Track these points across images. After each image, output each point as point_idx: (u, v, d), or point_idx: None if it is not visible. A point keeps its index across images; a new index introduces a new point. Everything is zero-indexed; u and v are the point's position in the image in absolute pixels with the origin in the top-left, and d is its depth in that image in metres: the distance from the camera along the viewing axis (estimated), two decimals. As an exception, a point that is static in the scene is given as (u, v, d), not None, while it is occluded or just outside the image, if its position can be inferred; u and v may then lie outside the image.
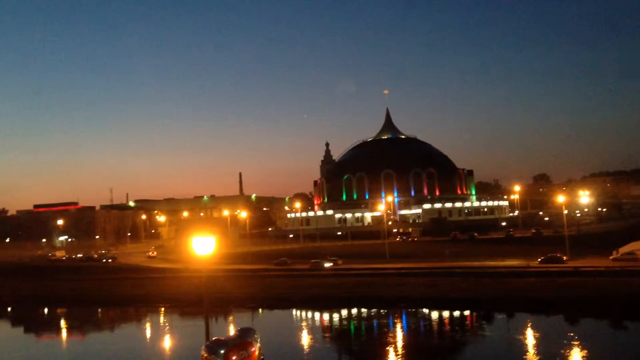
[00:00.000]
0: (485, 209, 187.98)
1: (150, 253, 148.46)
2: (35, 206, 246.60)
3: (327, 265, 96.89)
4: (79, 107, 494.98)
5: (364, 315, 71.10)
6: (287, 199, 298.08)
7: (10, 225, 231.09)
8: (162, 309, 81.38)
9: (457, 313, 67.25)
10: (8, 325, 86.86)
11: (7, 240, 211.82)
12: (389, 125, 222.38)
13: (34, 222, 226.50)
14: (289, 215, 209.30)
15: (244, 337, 13.29)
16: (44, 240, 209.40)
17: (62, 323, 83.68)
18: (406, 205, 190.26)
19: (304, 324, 68.67)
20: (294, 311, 74.63)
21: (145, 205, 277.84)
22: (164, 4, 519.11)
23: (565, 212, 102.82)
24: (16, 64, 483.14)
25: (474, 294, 70.12)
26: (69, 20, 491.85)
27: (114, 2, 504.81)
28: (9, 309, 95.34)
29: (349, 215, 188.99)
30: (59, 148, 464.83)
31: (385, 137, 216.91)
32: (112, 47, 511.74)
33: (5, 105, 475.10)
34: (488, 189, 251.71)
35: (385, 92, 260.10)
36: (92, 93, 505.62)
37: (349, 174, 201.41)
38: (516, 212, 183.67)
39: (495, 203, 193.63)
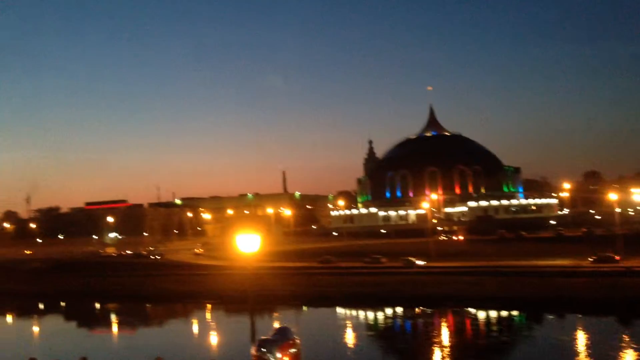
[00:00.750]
0: (533, 207, 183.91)
1: (197, 250, 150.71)
2: (87, 204, 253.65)
3: (420, 263, 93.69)
4: (128, 106, 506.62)
5: (409, 314, 70.60)
6: (330, 197, 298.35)
7: (63, 222, 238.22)
8: (209, 306, 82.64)
9: (504, 313, 66.11)
10: (62, 319, 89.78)
11: (61, 236, 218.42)
12: (432, 122, 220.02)
13: (86, 220, 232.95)
14: (332, 213, 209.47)
15: (286, 335, 13.32)
16: (95, 237, 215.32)
17: (113, 318, 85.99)
18: (451, 203, 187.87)
19: (348, 322, 68.67)
20: (338, 309, 74.70)
21: (191, 203, 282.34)
22: (209, 2, 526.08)
23: (618, 210, 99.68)
24: (67, 63, 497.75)
25: (521, 293, 68.77)
26: (116, 17, 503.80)
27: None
28: (63, 303, 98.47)
29: (392, 213, 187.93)
30: (109, 147, 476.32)
31: (429, 134, 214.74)
32: (157, 45, 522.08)
33: (58, 107, 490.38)
34: (536, 187, 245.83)
35: (429, 88, 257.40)
36: (141, 93, 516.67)
37: (392, 171, 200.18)
38: (566, 211, 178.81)
39: (544, 201, 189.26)
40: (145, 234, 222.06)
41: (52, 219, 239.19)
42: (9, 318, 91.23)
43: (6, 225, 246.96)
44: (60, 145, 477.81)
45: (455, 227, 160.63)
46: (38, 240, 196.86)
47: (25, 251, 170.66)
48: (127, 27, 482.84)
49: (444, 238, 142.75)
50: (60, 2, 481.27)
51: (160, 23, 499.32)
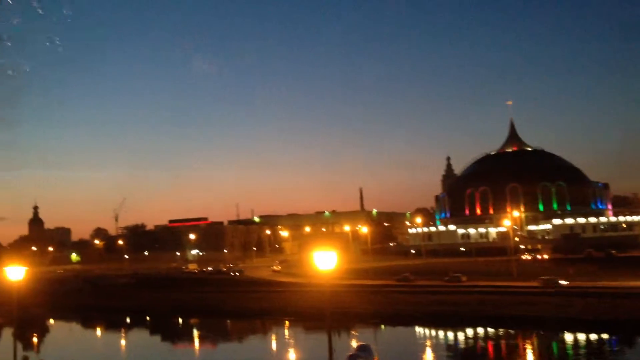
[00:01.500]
0: (624, 225, 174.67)
1: (275, 267, 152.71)
2: (170, 221, 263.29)
3: (563, 283, 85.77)
4: (209, 126, 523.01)
5: (490, 335, 68.39)
6: (407, 214, 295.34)
7: (148, 239, 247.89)
8: (287, 322, 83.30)
9: (593, 336, 62.84)
10: (147, 333, 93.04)
11: (146, 253, 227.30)
12: (513, 137, 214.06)
13: (169, 236, 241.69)
14: (410, 231, 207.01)
15: (369, 353, 13.30)
16: (178, 253, 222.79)
17: (195, 333, 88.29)
18: (534, 220, 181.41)
19: (427, 341, 67.32)
20: (416, 328, 73.42)
21: (269, 220, 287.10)
22: (291, 26, 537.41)
23: None
24: (152, 83, 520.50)
25: (611, 316, 65.18)
26: (199, 36, 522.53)
27: (241, 21, 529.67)
28: (148, 318, 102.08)
29: (472, 231, 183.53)
30: (192, 166, 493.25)
31: (510, 150, 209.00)
32: (235, 65, 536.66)
33: (143, 127, 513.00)
34: (626, 203, 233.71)
35: (509, 103, 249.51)
36: (222, 113, 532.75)
37: (472, 188, 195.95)
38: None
39: (635, 218, 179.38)
40: (225, 250, 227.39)
41: (138, 236, 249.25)
42: (99, 331, 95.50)
43: (96, 241, 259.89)
44: (145, 165, 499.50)
45: (539, 246, 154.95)
46: (125, 256, 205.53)
47: (113, 267, 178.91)
48: (208, 45, 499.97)
49: (528, 257, 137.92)
50: (145, 24, 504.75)
51: (242, 42, 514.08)
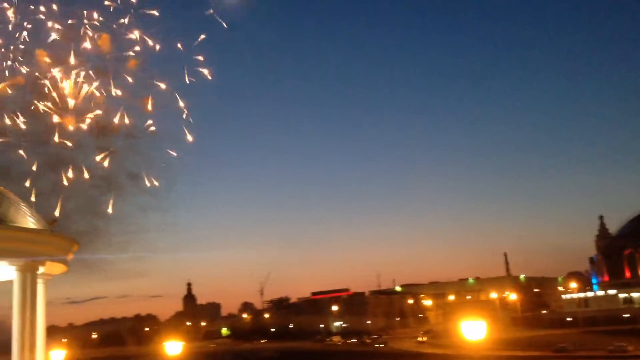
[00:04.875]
0: None
1: (420, 338, 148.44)
2: (313, 293, 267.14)
3: None
4: (348, 199, 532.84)
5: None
6: (559, 279, 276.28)
7: (292, 312, 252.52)
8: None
9: None
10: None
11: (291, 325, 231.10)
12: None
13: (312, 309, 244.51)
14: (563, 297, 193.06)
15: None
16: (321, 325, 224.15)
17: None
18: None
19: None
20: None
21: (411, 289, 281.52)
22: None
23: None
24: (284, 170, 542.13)
25: None
26: (322, 123, 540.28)
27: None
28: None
29: (635, 295, 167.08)
30: (331, 237, 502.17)
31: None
32: (378, 141, 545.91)
33: (283, 203, 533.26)
34: None
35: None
36: (359, 187, 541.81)
37: (631, 248, 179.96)
38: None
39: None
40: (368, 321, 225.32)
41: (282, 309, 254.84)
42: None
43: (244, 315, 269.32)
44: (288, 239, 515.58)
45: None
46: (271, 329, 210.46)
47: (260, 340, 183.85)
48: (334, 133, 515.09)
49: None
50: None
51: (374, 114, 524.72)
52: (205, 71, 40.02)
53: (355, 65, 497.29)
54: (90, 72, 39.11)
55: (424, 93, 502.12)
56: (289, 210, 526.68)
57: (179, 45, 39.68)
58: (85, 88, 38.85)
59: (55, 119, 38.08)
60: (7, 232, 32.85)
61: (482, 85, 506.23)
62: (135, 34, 39.02)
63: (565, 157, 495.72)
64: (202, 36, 39.42)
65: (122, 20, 38.83)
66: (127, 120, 39.47)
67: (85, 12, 38.56)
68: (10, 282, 33.93)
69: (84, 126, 38.87)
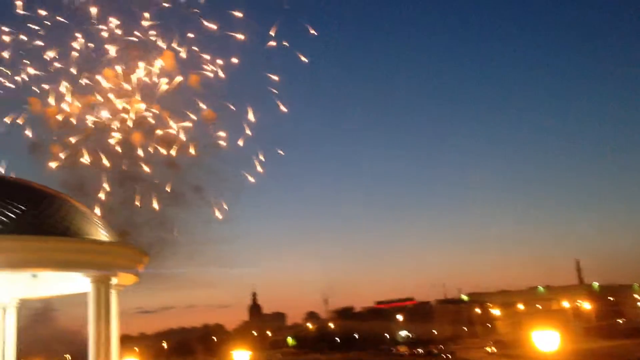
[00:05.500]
0: None
1: (489, 348, 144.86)
2: (377, 302, 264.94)
3: None
4: (412, 206, 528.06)
5: None
6: (635, 286, 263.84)
7: (356, 321, 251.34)
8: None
9: None
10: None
11: (355, 335, 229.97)
12: None
13: (377, 318, 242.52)
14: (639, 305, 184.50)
15: None
16: (386, 334, 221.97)
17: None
18: None
19: None
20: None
21: (478, 298, 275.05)
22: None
23: None
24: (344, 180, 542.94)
25: None
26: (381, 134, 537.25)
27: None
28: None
29: None
30: (395, 246, 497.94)
31: None
32: (441, 155, 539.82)
33: (344, 214, 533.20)
34: None
35: None
36: (423, 194, 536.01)
37: None
38: None
39: None
40: (434, 331, 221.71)
41: (347, 318, 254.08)
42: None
43: (309, 325, 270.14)
44: (352, 248, 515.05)
45: None
46: (336, 339, 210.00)
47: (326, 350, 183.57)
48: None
49: None
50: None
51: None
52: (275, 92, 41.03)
53: (419, 77, 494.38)
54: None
55: (489, 97, 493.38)
56: (352, 219, 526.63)
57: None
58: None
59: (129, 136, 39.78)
60: (83, 244, 34.26)
61: (560, 87, 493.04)
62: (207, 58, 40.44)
63: (634, 165, 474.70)
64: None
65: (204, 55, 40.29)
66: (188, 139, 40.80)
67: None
68: (84, 294, 35.26)
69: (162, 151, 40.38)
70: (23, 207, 32.64)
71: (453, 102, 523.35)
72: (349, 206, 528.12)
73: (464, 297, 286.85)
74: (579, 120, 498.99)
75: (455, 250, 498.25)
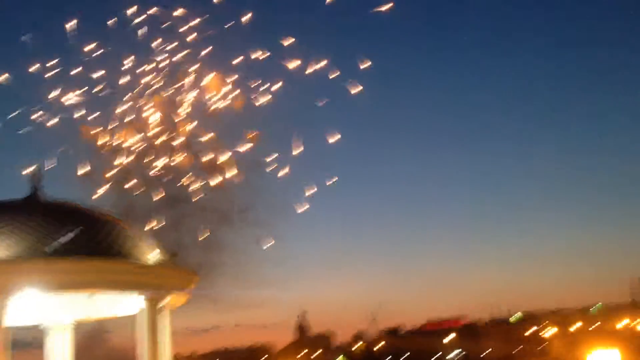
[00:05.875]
0: None
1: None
2: (427, 322, 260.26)
3: None
4: (462, 226, 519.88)
5: None
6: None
7: (406, 341, 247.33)
8: None
9: None
10: None
11: (406, 354, 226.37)
12: None
13: (426, 337, 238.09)
14: None
15: None
16: (437, 354, 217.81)
17: None
18: None
19: None
20: None
21: (531, 317, 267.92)
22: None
23: None
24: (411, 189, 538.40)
25: None
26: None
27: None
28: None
29: None
30: (445, 264, 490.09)
31: None
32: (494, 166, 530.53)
33: (393, 230, 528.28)
34: None
35: None
36: (472, 211, 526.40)
37: None
38: None
39: None
40: (486, 350, 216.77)
41: (396, 338, 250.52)
42: None
43: (358, 344, 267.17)
44: (401, 265, 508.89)
45: None
46: (386, 359, 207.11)
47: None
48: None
49: None
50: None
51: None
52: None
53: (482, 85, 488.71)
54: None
55: (548, 111, 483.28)
56: (401, 238, 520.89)
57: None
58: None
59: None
60: (138, 266, 35.12)
61: (608, 95, 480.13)
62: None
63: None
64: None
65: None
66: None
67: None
68: (134, 315, 36.04)
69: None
70: (78, 230, 33.66)
71: (507, 121, 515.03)
72: (398, 225, 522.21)
73: (517, 316, 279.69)
74: (634, 133, 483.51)
75: (508, 267, 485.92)
